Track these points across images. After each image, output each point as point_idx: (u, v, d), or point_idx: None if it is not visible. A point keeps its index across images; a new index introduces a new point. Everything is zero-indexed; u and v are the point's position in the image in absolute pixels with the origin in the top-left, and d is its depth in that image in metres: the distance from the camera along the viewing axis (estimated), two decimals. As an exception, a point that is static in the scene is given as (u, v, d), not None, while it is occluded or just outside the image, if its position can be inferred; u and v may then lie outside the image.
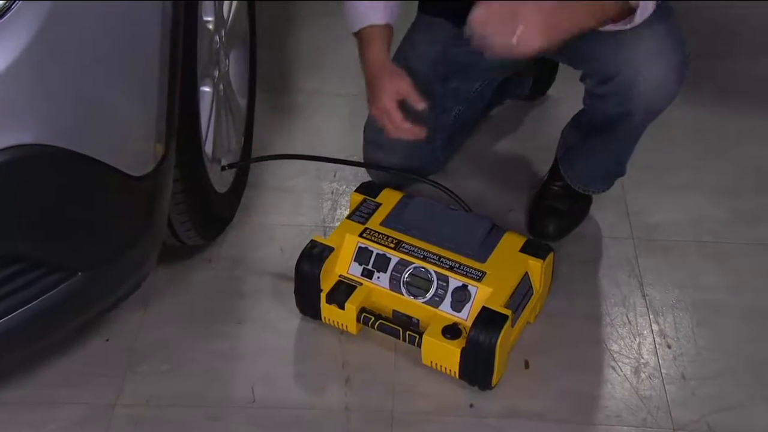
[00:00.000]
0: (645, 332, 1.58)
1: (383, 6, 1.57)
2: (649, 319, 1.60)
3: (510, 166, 1.92)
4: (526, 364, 1.52)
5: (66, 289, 1.20)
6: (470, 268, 1.50)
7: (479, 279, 1.49)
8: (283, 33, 2.27)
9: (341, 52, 2.19)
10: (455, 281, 1.49)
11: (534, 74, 1.98)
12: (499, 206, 1.79)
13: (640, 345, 1.56)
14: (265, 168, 1.87)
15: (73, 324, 1.28)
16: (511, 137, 1.99)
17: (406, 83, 1.55)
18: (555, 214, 1.75)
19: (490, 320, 1.42)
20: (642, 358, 1.54)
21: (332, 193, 1.83)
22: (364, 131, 1.77)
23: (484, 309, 1.44)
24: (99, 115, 1.12)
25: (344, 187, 1.83)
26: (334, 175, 1.87)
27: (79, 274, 1.21)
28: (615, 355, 1.54)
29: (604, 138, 1.62)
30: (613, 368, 1.52)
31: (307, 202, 1.82)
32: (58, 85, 1.05)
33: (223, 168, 1.65)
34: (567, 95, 1.94)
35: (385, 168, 1.71)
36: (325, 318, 1.55)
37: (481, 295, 1.47)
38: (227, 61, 1.66)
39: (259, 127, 1.92)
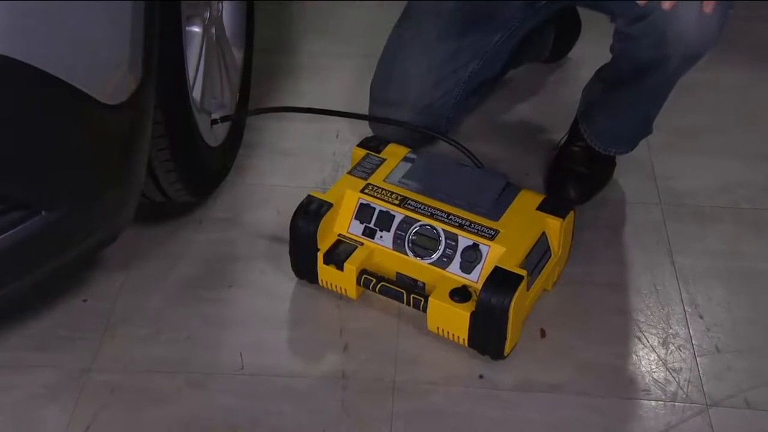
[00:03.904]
0: (674, 302, 1.44)
1: None
2: (679, 288, 1.46)
3: (527, 129, 1.79)
4: (543, 334, 1.38)
5: (27, 230, 1.07)
6: (482, 226, 1.36)
7: (492, 238, 1.35)
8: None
9: (347, 15, 2.10)
10: (465, 240, 1.35)
11: (552, 30, 1.84)
12: (514, 169, 1.64)
13: (669, 315, 1.42)
14: (262, 127, 1.75)
15: (36, 273, 1.14)
16: (529, 100, 1.86)
17: None
18: (576, 177, 1.61)
19: (503, 281, 1.28)
20: (671, 328, 1.39)
21: (334, 154, 1.70)
22: (370, 89, 1.65)
23: (496, 269, 1.30)
24: (60, 27, 0.99)
25: (347, 148, 1.70)
26: (337, 136, 1.74)
27: (43, 213, 1.08)
28: (641, 325, 1.40)
29: (631, 89, 1.48)
30: (639, 339, 1.38)
31: (306, 163, 1.69)
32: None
33: (214, 121, 1.52)
34: (589, 58, 1.79)
35: (392, 121, 1.59)
36: (322, 281, 1.41)
37: (493, 254, 1.33)
38: (221, 5, 1.54)
39: (257, 88, 1.79)
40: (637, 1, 1.28)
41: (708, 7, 1.26)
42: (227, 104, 1.60)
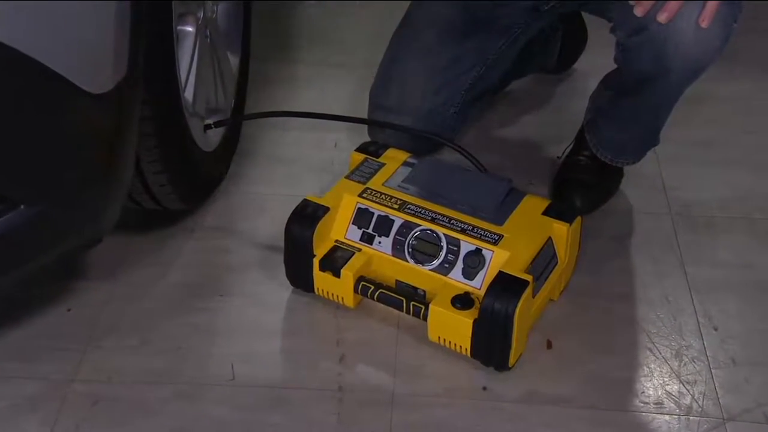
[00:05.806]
0: (686, 313, 1.37)
1: None
2: (691, 299, 1.39)
3: (532, 139, 1.73)
4: (549, 344, 1.32)
5: (4, 224, 1.01)
6: (485, 230, 1.31)
7: (495, 242, 1.29)
8: (286, 6, 2.12)
9: (346, 26, 2.06)
10: (467, 245, 1.29)
11: (557, 40, 1.80)
12: (518, 179, 1.58)
13: (681, 326, 1.35)
14: (259, 135, 1.70)
15: (15, 272, 1.08)
16: (534, 111, 1.81)
17: None
18: (582, 187, 1.55)
19: (507, 286, 1.22)
20: (684, 340, 1.33)
21: (332, 163, 1.65)
22: (370, 94, 1.61)
23: (500, 274, 1.24)
24: (40, 7, 0.94)
25: (345, 156, 1.63)
26: (335, 145, 1.69)
27: (22, 207, 1.02)
28: (652, 337, 1.33)
29: (636, 101, 1.43)
30: (651, 351, 1.31)
31: (303, 172, 1.63)
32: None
33: (208, 126, 1.47)
34: (595, 69, 1.74)
35: (393, 126, 1.53)
36: (318, 289, 1.35)
37: (497, 259, 1.27)
38: (215, 7, 1.50)
39: (253, 96, 1.75)
40: (635, 11, 1.24)
41: (704, 22, 1.22)
42: (222, 110, 1.55)
